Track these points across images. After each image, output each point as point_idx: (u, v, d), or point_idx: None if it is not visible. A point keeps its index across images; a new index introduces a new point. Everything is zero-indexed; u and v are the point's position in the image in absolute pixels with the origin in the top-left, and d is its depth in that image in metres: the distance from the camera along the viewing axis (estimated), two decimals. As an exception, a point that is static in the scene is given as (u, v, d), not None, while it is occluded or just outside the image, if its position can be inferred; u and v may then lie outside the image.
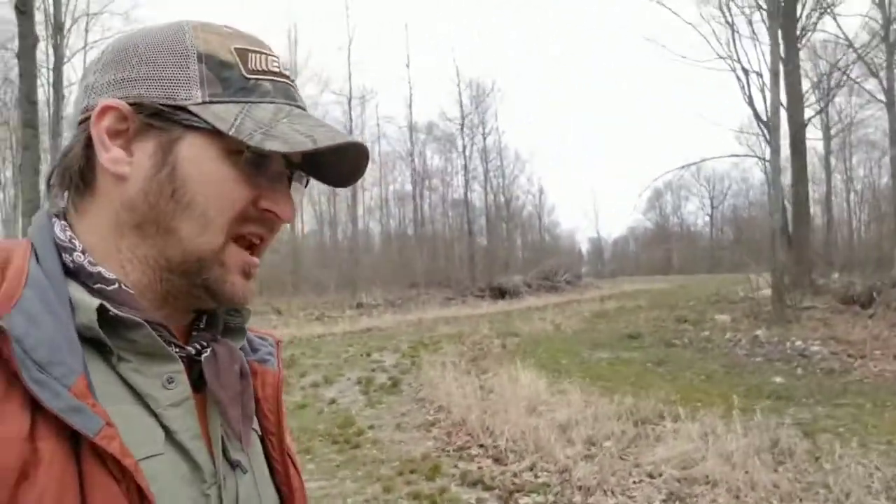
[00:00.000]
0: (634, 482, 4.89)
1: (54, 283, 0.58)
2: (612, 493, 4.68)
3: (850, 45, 23.43)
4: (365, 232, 40.59)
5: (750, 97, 23.13)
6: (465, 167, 37.95)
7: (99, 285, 0.60)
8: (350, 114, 32.47)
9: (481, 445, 5.92)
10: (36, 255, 0.60)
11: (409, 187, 37.74)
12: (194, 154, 0.61)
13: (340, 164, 0.68)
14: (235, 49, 0.64)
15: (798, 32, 20.66)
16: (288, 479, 0.74)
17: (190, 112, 0.61)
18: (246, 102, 0.62)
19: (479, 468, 5.35)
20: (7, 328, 0.51)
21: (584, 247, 77.52)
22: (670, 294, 25.24)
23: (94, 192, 0.64)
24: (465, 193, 38.30)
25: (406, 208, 38.93)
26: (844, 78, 25.63)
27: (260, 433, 0.74)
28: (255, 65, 0.64)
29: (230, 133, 0.60)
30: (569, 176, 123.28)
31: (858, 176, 39.87)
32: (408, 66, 35.87)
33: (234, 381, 0.66)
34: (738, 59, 23.28)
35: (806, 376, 8.63)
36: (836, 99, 31.41)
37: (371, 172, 37.78)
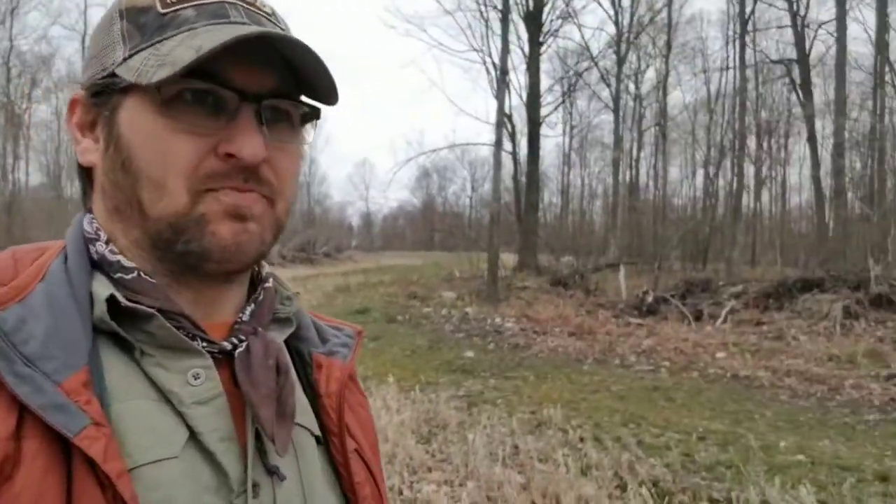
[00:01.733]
0: (284, 462, 4.86)
1: (74, 277, 0.57)
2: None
3: (588, 51, 26.33)
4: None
5: (496, 90, 24.76)
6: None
7: (119, 274, 0.59)
8: (84, 53, 28.72)
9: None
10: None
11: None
12: (130, 116, 0.58)
13: (317, 76, 0.61)
14: None
15: (541, 38, 22.51)
16: (352, 484, 0.66)
17: (116, 75, 0.58)
18: (159, 41, 0.57)
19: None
20: None
21: (356, 221, 78.53)
22: (418, 270, 26.33)
23: (93, 183, 0.63)
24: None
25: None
26: (580, 82, 28.77)
27: (317, 433, 0.67)
28: None
29: (134, 80, 0.56)
30: (345, 148, 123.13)
31: (594, 172, 45.14)
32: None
33: (267, 378, 0.60)
34: (490, 54, 24.71)
35: (494, 351, 9.44)
36: (580, 102, 35.28)
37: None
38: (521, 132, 23.54)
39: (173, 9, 0.58)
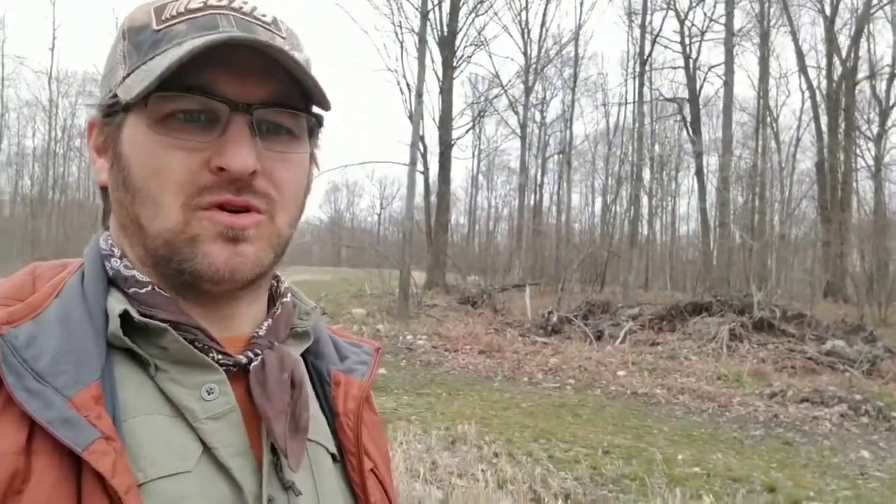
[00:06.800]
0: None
1: (89, 293, 0.57)
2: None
3: (499, 79, 27.22)
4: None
5: (412, 111, 25.01)
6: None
7: (133, 289, 0.59)
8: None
9: None
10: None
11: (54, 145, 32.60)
12: (130, 134, 0.59)
13: (305, 81, 0.59)
14: (156, 8, 0.60)
15: (455, 63, 22.97)
16: None
17: (117, 95, 0.59)
18: (150, 58, 0.57)
19: None
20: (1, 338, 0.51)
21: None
22: (326, 286, 25.91)
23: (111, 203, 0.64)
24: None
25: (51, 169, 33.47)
26: (490, 108, 29.61)
27: (333, 450, 0.66)
28: (170, 12, 0.59)
29: (127, 100, 0.57)
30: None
31: (501, 195, 46.31)
32: (53, 1, 31.47)
33: (281, 392, 0.60)
34: (405, 75, 24.95)
35: (407, 368, 9.48)
36: (489, 127, 36.29)
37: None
38: (433, 153, 23.88)
39: (166, 25, 0.59)
